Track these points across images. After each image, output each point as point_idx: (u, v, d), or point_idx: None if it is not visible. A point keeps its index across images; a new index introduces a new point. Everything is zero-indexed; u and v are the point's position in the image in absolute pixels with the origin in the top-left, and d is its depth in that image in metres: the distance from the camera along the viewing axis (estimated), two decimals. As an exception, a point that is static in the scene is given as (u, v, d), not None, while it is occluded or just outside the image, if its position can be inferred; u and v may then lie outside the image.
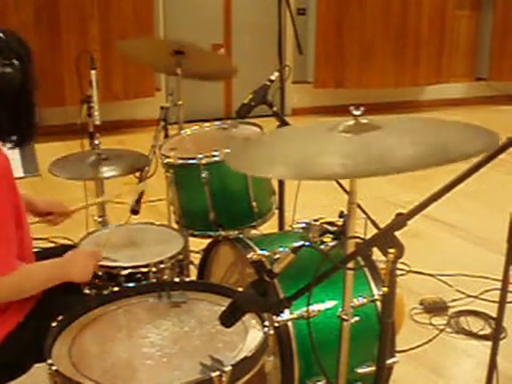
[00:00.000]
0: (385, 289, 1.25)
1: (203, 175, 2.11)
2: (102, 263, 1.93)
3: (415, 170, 1.21)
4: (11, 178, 1.64)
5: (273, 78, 2.41)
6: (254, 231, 2.29)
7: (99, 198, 2.60)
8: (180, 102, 2.82)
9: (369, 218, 2.14)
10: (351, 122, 1.46)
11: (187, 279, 1.96)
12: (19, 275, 1.59)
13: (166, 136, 2.67)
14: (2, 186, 1.57)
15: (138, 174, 2.42)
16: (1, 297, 1.59)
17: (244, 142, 2.15)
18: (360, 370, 1.85)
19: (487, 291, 3.00)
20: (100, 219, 2.66)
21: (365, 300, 1.84)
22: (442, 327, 2.75)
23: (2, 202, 1.56)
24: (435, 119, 1.62)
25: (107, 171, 2.45)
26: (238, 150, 1.69)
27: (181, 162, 2.19)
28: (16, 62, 1.60)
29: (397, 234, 1.19)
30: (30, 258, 1.78)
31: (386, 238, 1.20)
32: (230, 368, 1.26)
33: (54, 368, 1.29)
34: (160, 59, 2.88)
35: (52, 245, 3.15)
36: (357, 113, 1.46)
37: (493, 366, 1.78)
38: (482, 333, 2.70)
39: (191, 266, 2.49)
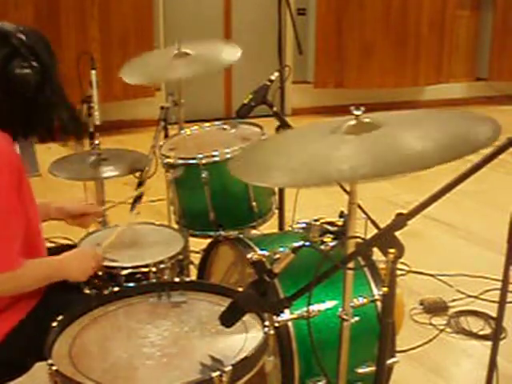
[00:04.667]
0: (385, 289, 1.25)
1: (203, 175, 2.11)
2: (101, 263, 1.93)
3: (428, 168, 1.15)
4: (23, 177, 1.65)
5: (273, 77, 2.42)
6: (254, 231, 2.29)
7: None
8: (180, 102, 2.82)
9: (369, 218, 2.14)
10: (352, 123, 1.45)
11: (187, 279, 1.96)
12: (21, 272, 1.60)
13: (166, 136, 2.67)
14: (10, 183, 1.57)
15: (137, 173, 2.42)
16: (7, 291, 1.61)
17: (245, 147, 2.14)
18: (360, 370, 1.85)
19: (487, 291, 3.00)
20: (100, 219, 2.66)
21: (365, 300, 1.84)
22: (442, 327, 2.75)
23: (9, 199, 1.57)
24: (435, 111, 1.61)
25: (107, 171, 2.45)
26: (240, 155, 1.69)
27: (181, 162, 2.19)
28: (35, 63, 1.60)
29: (397, 234, 1.19)
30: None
31: (386, 238, 1.20)
32: (230, 368, 1.26)
33: (54, 368, 1.29)
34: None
35: (52, 245, 3.15)
36: (357, 113, 1.46)
37: (493, 365, 1.78)
38: (482, 333, 2.70)
39: (191, 266, 2.49)
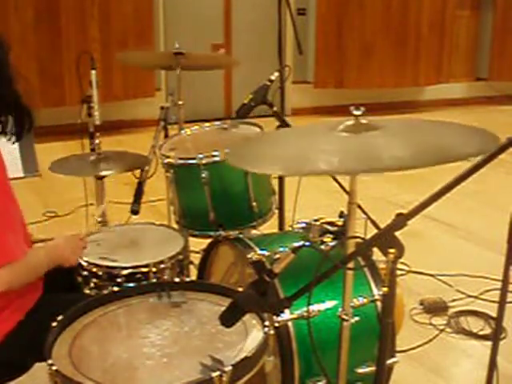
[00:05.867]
0: (385, 289, 1.25)
1: (203, 175, 2.11)
2: (102, 263, 1.93)
3: (403, 170, 1.24)
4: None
5: (273, 77, 2.42)
6: (254, 231, 2.29)
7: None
8: (180, 102, 2.82)
9: (369, 218, 2.14)
10: (351, 122, 1.46)
11: (187, 279, 1.96)
12: (28, 259, 1.63)
13: (166, 136, 2.67)
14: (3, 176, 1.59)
15: (138, 173, 2.42)
16: (19, 281, 1.62)
17: (244, 141, 2.15)
18: (360, 370, 1.85)
19: (487, 291, 3.01)
20: (100, 219, 2.66)
21: (365, 300, 1.84)
22: (442, 327, 2.75)
23: (4, 191, 1.60)
24: (436, 121, 1.62)
25: (107, 171, 2.45)
26: (239, 147, 1.71)
27: (181, 162, 2.19)
28: None
29: (397, 234, 1.19)
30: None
31: (386, 238, 1.20)
32: (230, 368, 1.26)
33: (54, 368, 1.28)
34: (160, 62, 2.90)
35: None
36: (357, 113, 1.46)
37: (493, 365, 1.78)
38: (482, 333, 2.70)
39: (191, 266, 2.49)
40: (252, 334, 1.43)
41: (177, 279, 1.72)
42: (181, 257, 2.04)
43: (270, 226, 2.38)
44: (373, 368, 1.83)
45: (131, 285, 1.86)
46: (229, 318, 1.32)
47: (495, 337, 1.79)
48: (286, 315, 1.77)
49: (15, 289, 1.62)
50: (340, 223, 1.71)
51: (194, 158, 2.13)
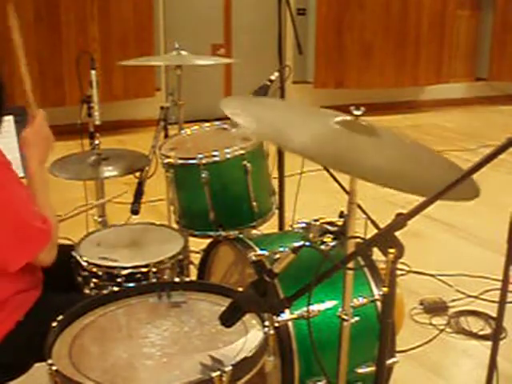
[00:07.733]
0: (385, 289, 1.25)
1: (203, 175, 2.11)
2: (102, 263, 1.93)
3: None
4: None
5: (273, 77, 2.42)
6: (254, 231, 2.29)
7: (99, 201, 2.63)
8: (180, 102, 2.82)
9: (369, 218, 2.13)
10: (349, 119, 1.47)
11: (187, 279, 1.96)
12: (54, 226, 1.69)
13: (166, 136, 2.67)
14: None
15: (138, 173, 2.42)
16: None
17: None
18: (360, 370, 1.85)
19: (487, 291, 3.01)
20: (100, 219, 2.66)
21: (365, 300, 1.84)
22: (442, 327, 2.75)
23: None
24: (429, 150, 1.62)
25: (107, 171, 2.45)
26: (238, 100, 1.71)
27: (181, 162, 2.18)
28: None
29: (397, 234, 1.19)
30: None
31: (386, 238, 1.20)
32: (230, 368, 1.26)
33: (54, 368, 1.28)
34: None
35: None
36: (357, 113, 1.46)
37: (493, 365, 1.78)
38: (482, 333, 2.70)
39: (191, 266, 2.49)
40: (252, 334, 1.43)
41: (177, 279, 1.72)
42: (181, 257, 2.04)
43: (269, 226, 2.38)
44: (373, 368, 1.83)
45: (131, 285, 1.86)
46: (229, 318, 1.32)
47: (495, 337, 1.79)
48: (286, 315, 1.77)
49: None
50: (340, 223, 1.71)
51: (193, 158, 2.13)
